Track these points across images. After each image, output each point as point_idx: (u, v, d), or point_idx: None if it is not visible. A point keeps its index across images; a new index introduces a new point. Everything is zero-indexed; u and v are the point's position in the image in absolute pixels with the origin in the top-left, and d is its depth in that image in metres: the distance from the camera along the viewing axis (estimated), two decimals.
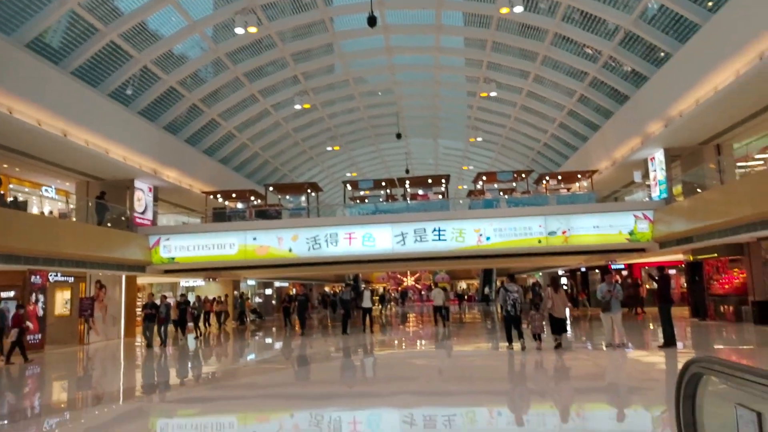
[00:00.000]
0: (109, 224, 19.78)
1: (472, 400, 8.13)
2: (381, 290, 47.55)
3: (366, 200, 25.40)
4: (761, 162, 17.35)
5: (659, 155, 20.48)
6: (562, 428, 6.59)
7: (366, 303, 20.00)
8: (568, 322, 21.59)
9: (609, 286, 12.68)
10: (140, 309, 19.00)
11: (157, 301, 18.11)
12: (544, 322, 13.46)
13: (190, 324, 21.71)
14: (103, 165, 19.34)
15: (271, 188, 25.23)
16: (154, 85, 19.89)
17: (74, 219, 19.84)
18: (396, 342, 18.13)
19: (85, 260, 17.58)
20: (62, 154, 17.72)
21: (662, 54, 17.52)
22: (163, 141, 21.69)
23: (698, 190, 18.71)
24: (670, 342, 12.16)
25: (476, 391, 8.84)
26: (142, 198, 21.96)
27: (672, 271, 28.68)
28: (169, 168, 22.65)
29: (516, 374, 10.97)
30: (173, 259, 20.98)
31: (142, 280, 25.15)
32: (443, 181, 24.65)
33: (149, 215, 22.29)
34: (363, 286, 21.10)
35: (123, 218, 20.98)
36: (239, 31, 18.38)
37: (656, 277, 13.16)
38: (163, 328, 18.06)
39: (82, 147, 17.49)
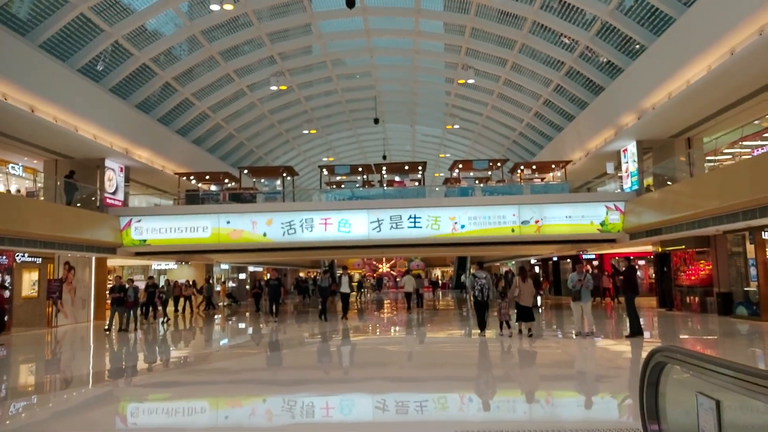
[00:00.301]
0: (78, 204, 19.33)
1: (442, 386, 8.22)
2: (357, 276, 47.67)
3: (342, 186, 25.30)
4: (729, 156, 17.74)
5: (632, 147, 20.80)
6: (531, 415, 6.72)
7: (344, 288, 19.87)
8: (541, 310, 22.07)
9: (579, 275, 12.93)
10: (108, 293, 18.57)
11: (126, 285, 17.77)
12: (511, 310, 13.84)
13: (160, 308, 21.52)
14: (72, 143, 18.85)
15: (245, 171, 24.95)
16: (126, 62, 19.39)
17: (42, 198, 19.33)
18: (371, 328, 18.23)
19: (53, 241, 17.17)
20: (29, 130, 17.20)
21: (637, 46, 17.71)
22: (135, 120, 21.22)
23: (668, 182, 19.09)
24: (635, 331, 12.46)
25: (446, 377, 8.94)
26: (113, 178, 21.51)
27: (641, 262, 29.34)
28: (141, 148, 22.20)
29: (485, 360, 11.12)
30: (145, 241, 20.65)
31: (112, 262, 24.74)
32: (420, 168, 24.68)
33: (120, 196, 21.86)
34: (340, 271, 20.95)
35: (93, 198, 20.53)
36: (215, 7, 18.00)
37: (621, 269, 13.51)
38: (131, 313, 17.79)
39: (51, 123, 17.01)
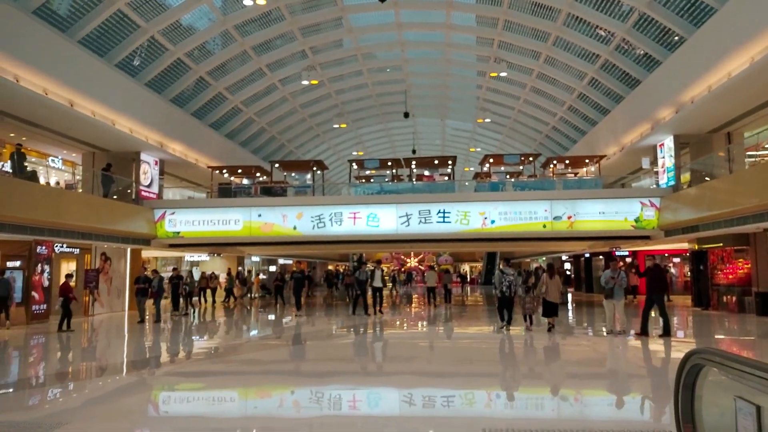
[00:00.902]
0: (114, 196, 19.82)
1: (467, 381, 8.16)
2: (386, 270, 47.69)
3: (371, 180, 25.33)
4: None
5: (668, 142, 20.27)
6: (559, 413, 6.62)
7: (377, 282, 19.22)
8: (569, 306, 21.75)
9: (613, 273, 12.68)
10: (133, 283, 18.52)
11: (150, 276, 17.83)
12: (538, 306, 14.06)
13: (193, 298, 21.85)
14: (109, 136, 19.32)
15: (276, 165, 25.19)
16: (161, 57, 19.74)
17: (80, 190, 19.87)
18: (400, 322, 18.21)
19: (90, 232, 17.66)
20: (68, 124, 17.69)
21: (676, 38, 17.21)
22: (170, 114, 21.61)
23: (706, 178, 18.54)
24: (667, 331, 12.14)
25: (471, 374, 8.88)
26: (148, 171, 21.96)
27: (676, 260, 28.63)
28: (176, 141, 22.61)
29: (511, 357, 11.01)
30: (178, 233, 21.05)
31: (147, 253, 25.30)
32: (450, 162, 24.52)
33: (155, 189, 22.31)
34: (373, 265, 20.40)
35: (129, 191, 21.03)
36: (247, 2, 18.13)
37: (641, 269, 13.27)
38: (156, 303, 17.72)
39: (88, 117, 17.45)
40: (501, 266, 14.05)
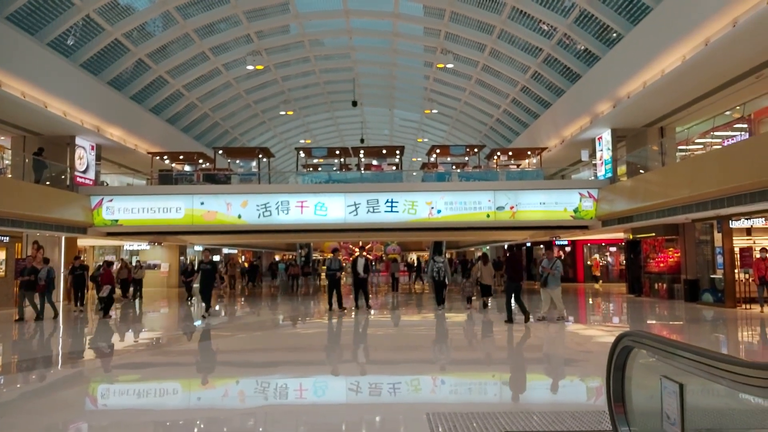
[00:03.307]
0: (48, 183, 18.88)
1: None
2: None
3: (319, 168, 25.15)
4: (701, 146, 18.09)
5: (606, 135, 21.06)
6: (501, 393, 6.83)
7: (360, 273, 16.38)
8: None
9: (548, 263, 13.15)
10: (18, 275, 15.40)
11: (37, 266, 15.20)
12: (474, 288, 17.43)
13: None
14: (41, 119, 18.32)
15: (220, 152, 24.61)
16: (97, 37, 18.85)
17: (10, 176, 18.81)
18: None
19: (21, 219, 16.75)
20: None
21: (614, 35, 17.85)
22: (107, 97, 20.70)
23: (641, 171, 19.40)
24: (509, 319, 12.62)
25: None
26: (84, 156, 21.01)
27: (613, 249, 29.89)
28: (113, 126, 21.70)
29: (444, 335, 11.25)
30: (116, 221, 20.29)
31: (83, 242, 24.27)
32: (398, 152, 24.64)
33: (91, 175, 21.37)
34: (356, 252, 18.07)
35: (63, 177, 20.05)
36: None
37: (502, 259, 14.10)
38: (44, 298, 14.78)
39: (18, 99, 16.49)
40: (433, 256, 15.50)
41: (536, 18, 20.15)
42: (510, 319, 12.62)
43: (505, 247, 35.57)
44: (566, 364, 8.84)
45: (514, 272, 13.16)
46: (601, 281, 28.55)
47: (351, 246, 62.53)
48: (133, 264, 24.19)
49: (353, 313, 15.41)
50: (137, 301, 21.32)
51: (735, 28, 12.57)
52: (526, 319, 12.69)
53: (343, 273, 17.11)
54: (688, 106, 17.54)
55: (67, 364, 9.23)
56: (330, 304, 16.05)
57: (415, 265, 33.20)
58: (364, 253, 17.27)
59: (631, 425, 3.26)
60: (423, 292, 26.11)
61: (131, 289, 22.23)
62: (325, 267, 18.96)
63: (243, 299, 23.11)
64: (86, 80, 19.21)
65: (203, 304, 15.86)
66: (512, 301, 12.92)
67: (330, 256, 17.42)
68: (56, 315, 15.13)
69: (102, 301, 15.44)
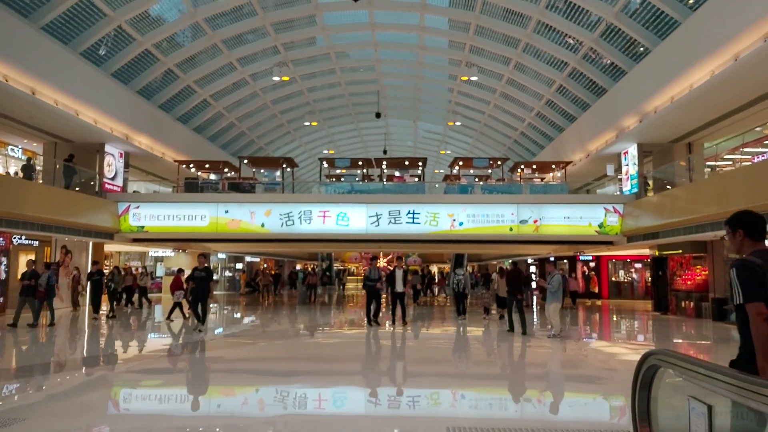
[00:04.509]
0: (77, 188, 19.31)
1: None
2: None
3: (342, 179, 25.28)
4: (729, 162, 17.75)
5: (632, 150, 20.79)
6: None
7: (398, 287, 15.16)
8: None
9: (549, 277, 13.04)
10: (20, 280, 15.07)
11: (39, 271, 14.70)
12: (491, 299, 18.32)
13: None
14: (72, 127, 18.79)
15: (245, 161, 24.90)
16: (128, 47, 19.31)
17: (41, 181, 19.29)
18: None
19: (50, 224, 17.15)
20: (30, 112, 17.13)
21: (641, 49, 17.68)
22: (136, 105, 21.15)
23: (668, 186, 19.09)
24: (510, 328, 13.66)
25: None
26: (113, 163, 21.46)
27: (638, 265, 29.38)
28: (142, 134, 22.15)
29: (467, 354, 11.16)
30: (143, 227, 20.62)
31: (109, 247, 24.71)
32: (420, 164, 24.65)
33: (119, 181, 21.81)
34: (395, 263, 15.83)
35: (92, 183, 20.49)
36: None
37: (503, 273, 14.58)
38: (41, 305, 14.35)
39: (51, 106, 16.95)
40: (455, 269, 15.70)
41: (562, 32, 20.08)
42: (511, 329, 13.67)
43: (506, 263, 35.29)
44: (589, 381, 8.68)
45: (513, 286, 13.70)
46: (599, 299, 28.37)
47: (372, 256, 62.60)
48: (140, 271, 23.81)
49: (386, 326, 14.91)
50: (143, 309, 20.79)
51: (766, 43, 12.35)
52: (523, 332, 13.09)
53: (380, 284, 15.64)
54: (717, 121, 17.25)
55: (63, 373, 9.37)
56: (368, 317, 14.98)
57: (421, 273, 32.01)
58: (402, 264, 15.87)
59: None
60: (437, 304, 25.98)
61: (136, 296, 21.65)
62: (361, 277, 18.51)
63: (266, 307, 23.22)
64: (116, 89, 19.67)
65: (194, 317, 13.70)
66: (513, 313, 13.82)
67: (357, 266, 17.63)
68: (52, 323, 14.37)
69: (175, 306, 16.34)
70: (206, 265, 13.58)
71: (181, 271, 16.96)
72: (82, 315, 18.03)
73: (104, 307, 18.27)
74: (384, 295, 16.87)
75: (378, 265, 16.40)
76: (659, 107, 17.55)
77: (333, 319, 18.57)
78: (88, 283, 16.79)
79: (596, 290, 29.39)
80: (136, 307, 21.12)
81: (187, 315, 16.16)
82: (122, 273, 20.62)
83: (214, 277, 16.20)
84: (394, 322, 15.24)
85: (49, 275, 14.58)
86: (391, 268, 16.39)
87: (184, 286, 15.34)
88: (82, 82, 17.97)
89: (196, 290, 13.35)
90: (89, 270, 17.55)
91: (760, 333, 2.98)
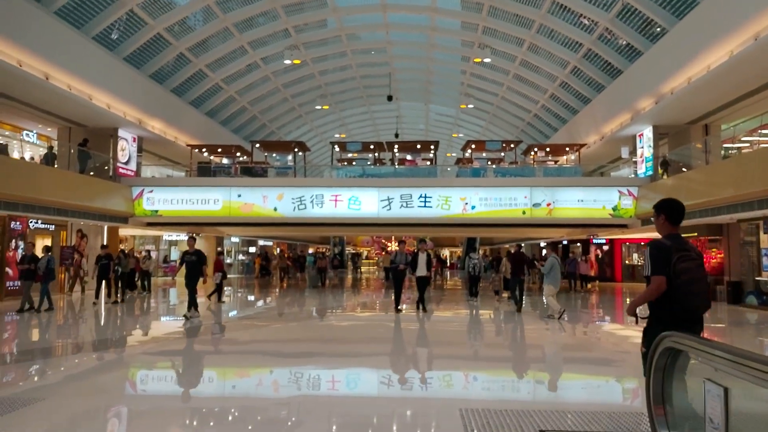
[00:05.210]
0: (91, 173, 19.48)
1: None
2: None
3: (354, 163, 25.24)
4: (747, 144, 17.46)
5: (648, 132, 20.52)
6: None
7: (420, 271, 14.21)
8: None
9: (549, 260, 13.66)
10: (18, 263, 14.78)
11: (39, 254, 14.39)
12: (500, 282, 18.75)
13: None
14: (86, 111, 18.91)
15: (257, 145, 24.95)
16: (140, 31, 19.31)
17: (56, 165, 19.47)
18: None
19: (66, 208, 17.35)
20: (44, 97, 17.25)
21: (658, 29, 17.35)
22: (149, 90, 21.20)
23: (683, 169, 18.85)
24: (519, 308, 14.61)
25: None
26: (126, 148, 21.59)
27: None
28: (155, 118, 22.23)
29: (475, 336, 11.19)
30: (156, 211, 20.79)
31: (124, 231, 24.97)
32: (432, 147, 24.54)
33: (133, 166, 21.96)
34: (418, 246, 15.10)
35: (106, 167, 20.65)
36: None
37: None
38: (42, 288, 13.90)
39: (65, 91, 17.05)
40: (469, 253, 16.22)
41: (577, 12, 19.75)
42: (519, 309, 14.44)
43: (512, 246, 35.27)
44: (603, 364, 8.68)
45: (515, 268, 15.03)
46: (597, 282, 27.39)
47: (384, 241, 62.75)
48: (143, 254, 22.44)
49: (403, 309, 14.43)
50: (145, 293, 20.11)
51: None
52: (518, 310, 14.40)
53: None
54: (735, 103, 16.94)
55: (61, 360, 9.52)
56: (397, 303, 14.22)
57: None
58: (425, 247, 14.96)
59: (671, 428, 3.18)
60: (448, 287, 26.01)
61: (138, 280, 20.39)
62: (375, 261, 18.92)
63: (277, 290, 23.40)
64: (129, 73, 19.72)
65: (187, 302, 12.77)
66: (517, 292, 14.87)
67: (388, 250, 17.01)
68: (51, 308, 13.90)
69: (217, 287, 17.42)
70: (196, 248, 12.85)
71: (221, 253, 18.48)
72: (77, 299, 17.75)
73: (103, 293, 17.40)
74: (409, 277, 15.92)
75: (405, 249, 14.19)
76: (676, 88, 17.26)
77: (345, 303, 18.66)
78: (96, 266, 16.15)
79: (606, 274, 29.19)
80: (140, 291, 20.18)
81: (224, 300, 17.51)
82: (127, 256, 19.42)
83: (227, 260, 16.32)
84: (418, 308, 14.36)
85: (48, 258, 14.17)
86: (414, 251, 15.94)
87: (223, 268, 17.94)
88: (95, 67, 18.03)
89: (188, 275, 12.56)
90: (97, 255, 16.81)
91: (649, 295, 3.89)
